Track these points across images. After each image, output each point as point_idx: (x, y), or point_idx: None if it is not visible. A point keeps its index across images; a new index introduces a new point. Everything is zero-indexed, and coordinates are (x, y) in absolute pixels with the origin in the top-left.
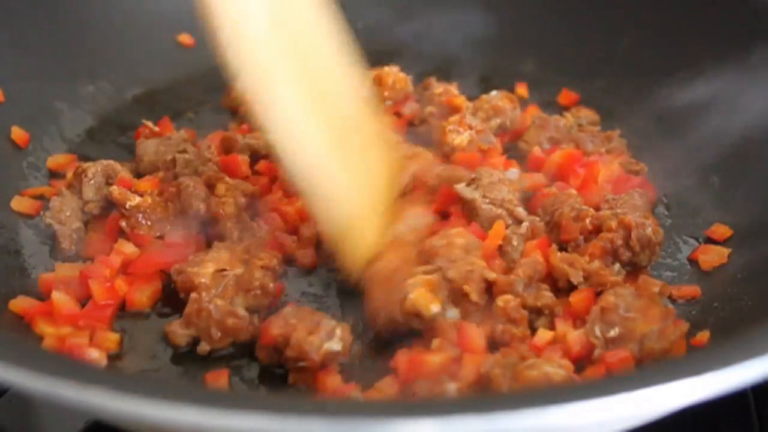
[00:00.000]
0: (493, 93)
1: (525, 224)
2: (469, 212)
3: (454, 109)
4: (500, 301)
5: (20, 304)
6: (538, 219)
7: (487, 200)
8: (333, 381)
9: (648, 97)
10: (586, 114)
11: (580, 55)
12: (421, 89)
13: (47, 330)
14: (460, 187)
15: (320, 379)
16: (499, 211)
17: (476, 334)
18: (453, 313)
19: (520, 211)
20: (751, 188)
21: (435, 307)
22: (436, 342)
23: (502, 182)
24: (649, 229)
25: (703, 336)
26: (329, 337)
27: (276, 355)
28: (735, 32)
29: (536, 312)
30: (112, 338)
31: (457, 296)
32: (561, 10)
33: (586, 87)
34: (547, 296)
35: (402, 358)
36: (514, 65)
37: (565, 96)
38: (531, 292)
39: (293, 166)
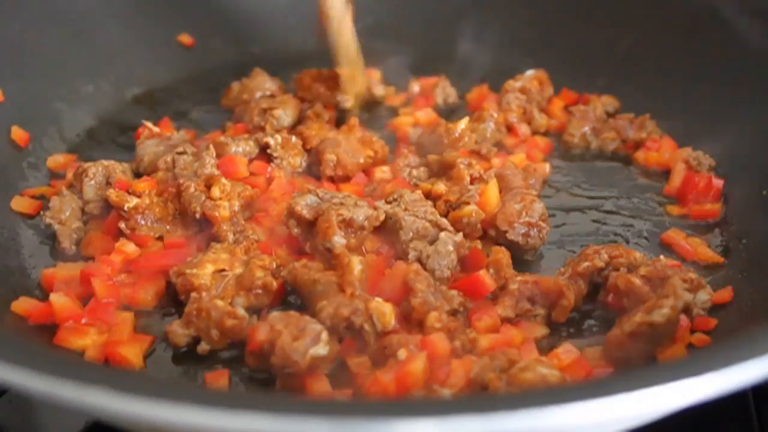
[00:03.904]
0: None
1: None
2: (392, 227)
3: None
4: (429, 321)
5: (22, 305)
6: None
7: (410, 213)
8: (321, 386)
9: (648, 97)
10: (608, 101)
11: (580, 55)
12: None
13: (85, 343)
14: (381, 204)
15: (308, 384)
16: (422, 222)
17: (438, 338)
18: None
19: (444, 221)
20: (750, 189)
21: None
22: (402, 352)
23: (423, 200)
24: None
25: (703, 336)
26: (314, 342)
27: (264, 361)
28: (734, 34)
29: (453, 314)
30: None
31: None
32: (561, 10)
33: (586, 87)
34: (453, 295)
35: (378, 380)
36: (515, 65)
37: (565, 96)
38: (438, 298)
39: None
